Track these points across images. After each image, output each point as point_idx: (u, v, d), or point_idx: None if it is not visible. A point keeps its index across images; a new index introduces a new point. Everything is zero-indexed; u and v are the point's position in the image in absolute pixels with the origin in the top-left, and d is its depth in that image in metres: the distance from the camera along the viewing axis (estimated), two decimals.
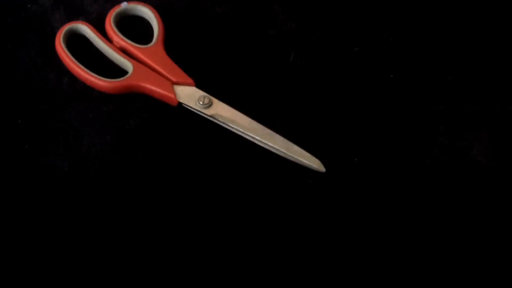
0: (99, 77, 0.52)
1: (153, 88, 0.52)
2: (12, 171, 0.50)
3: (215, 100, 0.52)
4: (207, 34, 0.56)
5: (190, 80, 0.53)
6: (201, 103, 0.51)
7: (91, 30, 0.54)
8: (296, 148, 0.50)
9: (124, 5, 0.56)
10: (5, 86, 0.53)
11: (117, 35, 0.54)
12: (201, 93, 0.52)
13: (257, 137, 0.50)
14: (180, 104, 0.52)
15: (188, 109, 0.52)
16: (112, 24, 0.55)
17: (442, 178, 0.50)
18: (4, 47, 0.55)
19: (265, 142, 0.50)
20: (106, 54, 0.55)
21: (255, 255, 0.47)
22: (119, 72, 0.54)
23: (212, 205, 0.49)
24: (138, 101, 0.53)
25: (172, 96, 0.52)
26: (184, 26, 0.57)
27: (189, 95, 0.52)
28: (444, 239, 0.48)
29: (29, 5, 0.57)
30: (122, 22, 0.56)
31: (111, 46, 0.54)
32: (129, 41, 0.54)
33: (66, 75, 0.54)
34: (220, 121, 0.51)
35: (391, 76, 0.55)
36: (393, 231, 0.48)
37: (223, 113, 0.51)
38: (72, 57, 0.53)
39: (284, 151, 0.50)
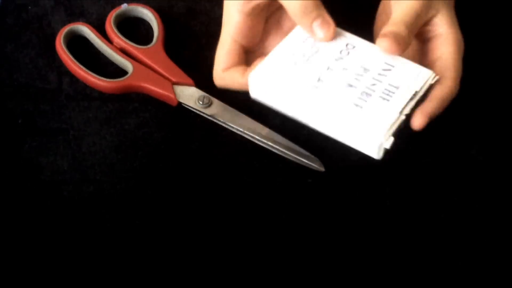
0: (99, 77, 0.52)
1: (153, 88, 0.52)
2: (12, 171, 0.50)
3: (215, 100, 0.52)
4: (207, 34, 0.56)
5: (189, 80, 0.53)
6: (201, 103, 0.52)
7: (91, 31, 0.55)
8: (295, 147, 0.50)
9: (124, 6, 0.56)
10: (6, 86, 0.53)
11: (118, 36, 0.54)
12: (201, 93, 0.52)
13: (256, 137, 0.50)
14: (180, 104, 0.52)
15: (188, 109, 0.52)
16: (113, 26, 0.55)
17: (442, 178, 0.50)
18: (5, 47, 0.55)
19: (265, 141, 0.50)
20: (106, 55, 0.55)
21: (255, 253, 0.47)
22: (119, 72, 0.54)
23: (212, 204, 0.49)
24: (138, 101, 0.53)
25: (172, 96, 0.52)
26: (184, 27, 0.57)
27: (189, 95, 0.52)
28: (444, 239, 0.48)
29: (30, 7, 0.57)
30: (122, 24, 0.56)
31: (111, 47, 0.54)
32: (129, 42, 0.54)
33: (66, 75, 0.54)
34: (220, 120, 0.51)
35: None
36: (392, 230, 0.48)
37: (223, 112, 0.51)
38: (72, 58, 0.53)
39: (283, 150, 0.50)
